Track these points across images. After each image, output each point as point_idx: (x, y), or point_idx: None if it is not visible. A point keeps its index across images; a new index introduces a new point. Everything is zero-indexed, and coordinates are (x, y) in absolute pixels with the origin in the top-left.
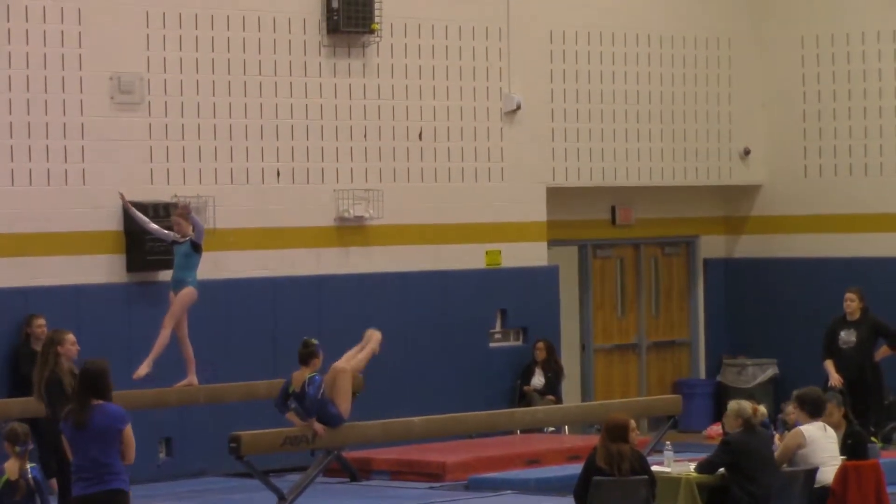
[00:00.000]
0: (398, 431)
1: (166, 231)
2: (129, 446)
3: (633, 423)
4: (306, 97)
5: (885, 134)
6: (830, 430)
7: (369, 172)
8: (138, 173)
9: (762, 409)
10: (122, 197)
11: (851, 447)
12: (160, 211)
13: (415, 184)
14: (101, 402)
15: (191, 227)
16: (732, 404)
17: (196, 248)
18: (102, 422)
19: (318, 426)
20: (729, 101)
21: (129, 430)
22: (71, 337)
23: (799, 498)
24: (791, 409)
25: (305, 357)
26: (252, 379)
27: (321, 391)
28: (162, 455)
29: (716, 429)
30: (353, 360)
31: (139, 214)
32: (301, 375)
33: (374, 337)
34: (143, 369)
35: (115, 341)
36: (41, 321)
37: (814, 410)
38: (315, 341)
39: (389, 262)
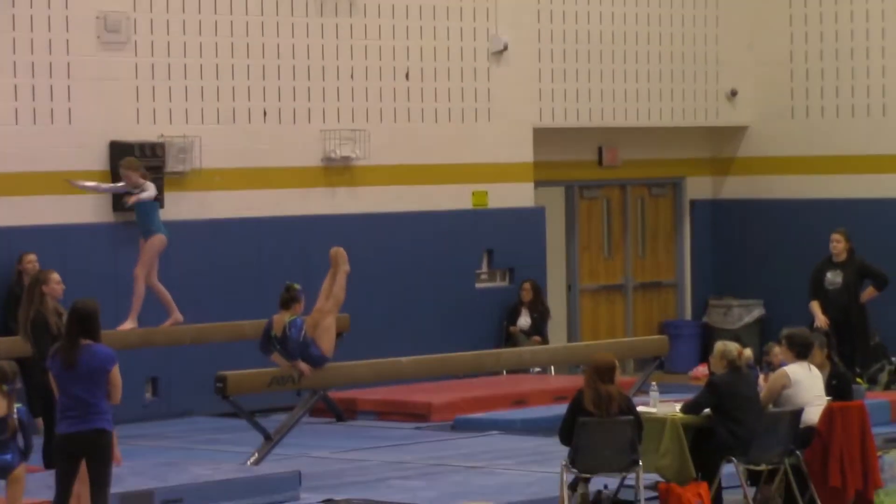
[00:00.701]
0: (385, 372)
1: (118, 185)
2: (116, 387)
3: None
4: (293, 37)
5: (872, 75)
6: (815, 370)
7: (356, 113)
8: (125, 113)
9: (748, 352)
10: (69, 181)
11: (836, 388)
12: (146, 151)
13: (401, 124)
14: (89, 341)
15: (139, 177)
16: (719, 345)
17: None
18: (91, 362)
19: (304, 366)
20: (716, 42)
21: (116, 371)
22: (56, 276)
23: (784, 438)
24: (778, 350)
25: (287, 301)
26: (238, 319)
27: (303, 333)
28: (148, 395)
29: (702, 370)
30: (331, 294)
31: (88, 184)
32: (281, 319)
33: (339, 256)
34: (128, 324)
35: (101, 280)
36: (31, 257)
37: (801, 351)
38: (297, 286)
39: (376, 203)
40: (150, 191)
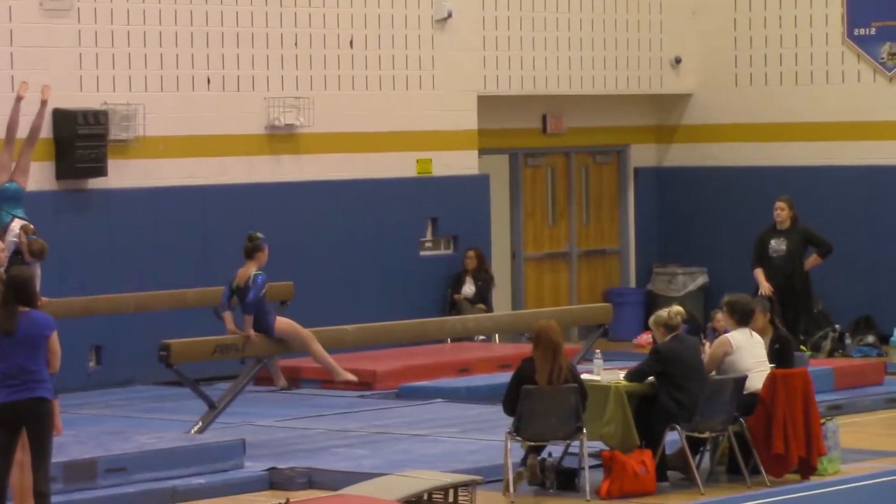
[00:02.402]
0: (329, 340)
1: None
2: (55, 354)
3: None
4: (237, 4)
5: (816, 42)
6: (757, 336)
7: (300, 80)
8: (68, 80)
9: (676, 307)
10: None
11: (779, 352)
12: (90, 118)
13: (346, 91)
14: (27, 309)
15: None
16: (652, 317)
17: None
18: (29, 328)
19: (252, 333)
20: (660, 10)
21: (55, 338)
22: None
23: (728, 405)
24: (720, 317)
25: (250, 251)
26: (182, 287)
27: (263, 291)
28: (92, 364)
29: (646, 337)
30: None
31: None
32: (246, 271)
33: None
34: None
35: None
36: None
37: (742, 317)
38: (260, 235)
39: (320, 170)
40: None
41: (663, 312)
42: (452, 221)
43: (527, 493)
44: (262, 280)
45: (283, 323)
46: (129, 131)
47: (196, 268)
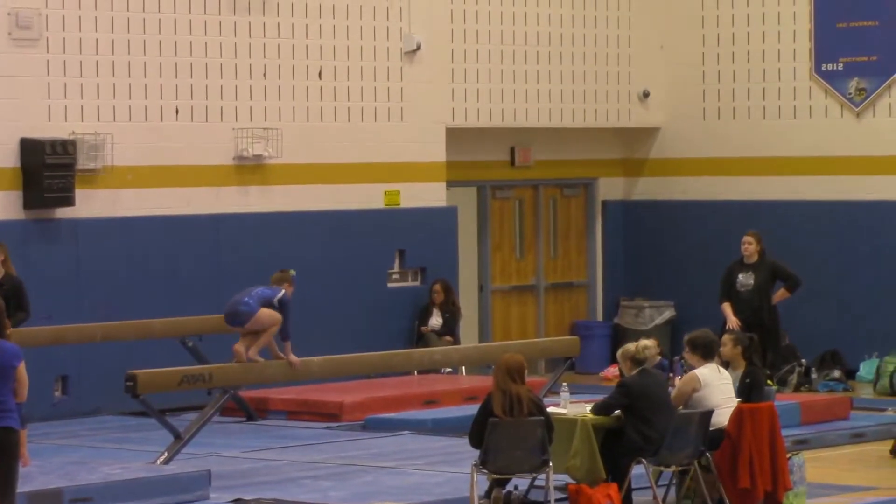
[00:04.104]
0: (296, 371)
1: None
2: (23, 384)
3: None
4: (206, 35)
5: (783, 77)
6: (724, 372)
7: (268, 111)
8: (36, 110)
9: (645, 341)
10: None
11: (749, 386)
12: (58, 148)
13: (314, 123)
14: None
15: None
16: (620, 350)
17: None
18: None
19: (295, 359)
20: (628, 44)
21: (22, 368)
22: None
23: (694, 439)
24: (687, 354)
25: (279, 280)
26: (149, 317)
27: (277, 298)
28: (58, 393)
29: (612, 370)
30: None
31: None
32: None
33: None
34: None
35: None
36: None
37: (706, 352)
38: (293, 272)
39: (288, 202)
40: None
41: (631, 346)
42: (420, 253)
43: None
44: (280, 292)
45: (270, 314)
46: (97, 161)
47: (163, 298)
